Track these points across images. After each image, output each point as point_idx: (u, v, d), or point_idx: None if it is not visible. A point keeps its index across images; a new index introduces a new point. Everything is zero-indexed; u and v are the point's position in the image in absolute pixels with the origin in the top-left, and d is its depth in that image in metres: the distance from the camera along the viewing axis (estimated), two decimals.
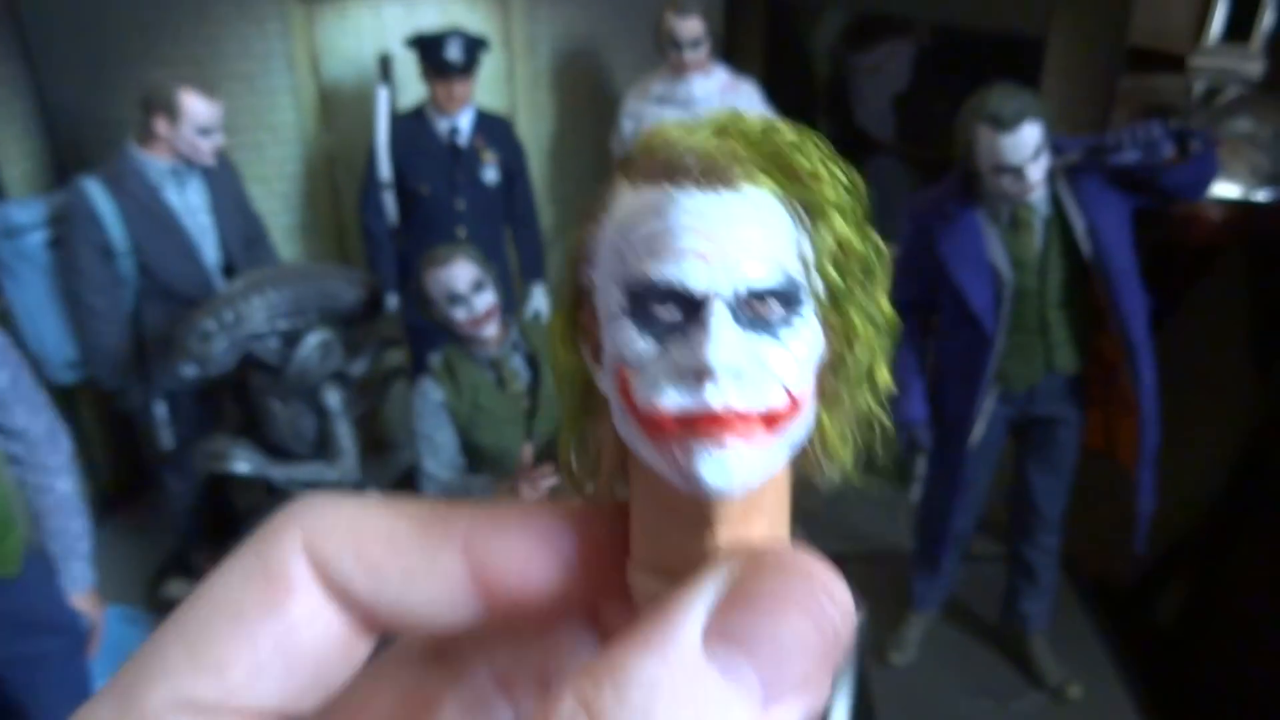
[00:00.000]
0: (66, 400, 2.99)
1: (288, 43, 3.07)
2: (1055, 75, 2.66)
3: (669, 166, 0.23)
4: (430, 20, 3.14)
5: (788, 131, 0.24)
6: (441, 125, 2.84)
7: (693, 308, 0.23)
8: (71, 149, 2.92)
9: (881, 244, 0.25)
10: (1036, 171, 1.98)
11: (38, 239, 2.51)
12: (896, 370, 1.86)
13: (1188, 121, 2.86)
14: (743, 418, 0.23)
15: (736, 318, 0.23)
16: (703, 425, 0.22)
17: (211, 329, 2.23)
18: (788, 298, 0.23)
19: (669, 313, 0.23)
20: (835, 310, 0.24)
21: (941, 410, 2.33)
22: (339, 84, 3.17)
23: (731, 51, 3.51)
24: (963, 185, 2.13)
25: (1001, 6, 2.78)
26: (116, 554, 3.03)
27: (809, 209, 0.24)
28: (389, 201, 2.90)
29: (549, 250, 3.34)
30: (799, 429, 0.24)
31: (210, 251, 2.58)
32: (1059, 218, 2.10)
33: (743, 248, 0.22)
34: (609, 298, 0.24)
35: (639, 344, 0.23)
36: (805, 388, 0.24)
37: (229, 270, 2.62)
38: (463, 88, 2.78)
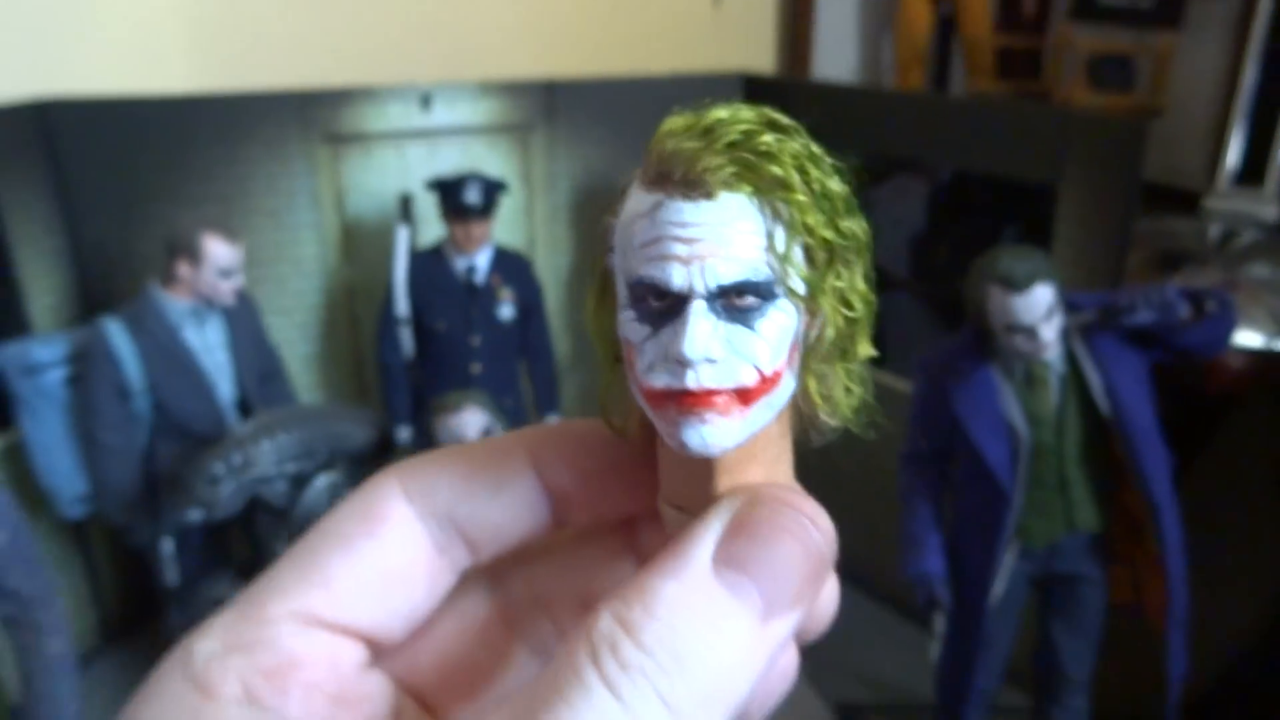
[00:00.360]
0: (77, 532, 2.98)
1: (313, 181, 3.15)
2: (1069, 220, 2.67)
3: (660, 175, 0.27)
4: (452, 158, 3.22)
5: (767, 135, 0.27)
6: (459, 264, 2.89)
7: (677, 302, 0.26)
8: (100, 284, 2.99)
9: (860, 230, 0.28)
10: (1050, 331, 1.97)
11: (57, 376, 2.54)
12: (913, 524, 1.82)
13: (1204, 265, 2.86)
14: (717, 394, 0.26)
15: (714, 309, 0.26)
16: (685, 402, 0.26)
17: (219, 473, 2.23)
18: (760, 290, 0.26)
19: (659, 304, 0.27)
20: (810, 296, 0.27)
21: (960, 566, 2.26)
22: (361, 219, 3.24)
23: None
24: (975, 341, 2.11)
25: (1014, 154, 2.81)
26: (120, 683, 2.97)
27: (781, 210, 0.26)
28: (405, 337, 2.92)
29: (565, 379, 3.34)
30: (775, 399, 0.27)
31: (226, 388, 2.60)
32: (1075, 375, 2.07)
33: (716, 251, 0.26)
34: (620, 286, 0.28)
35: (637, 328, 0.27)
36: (778, 365, 0.27)
37: (244, 406, 2.63)
38: (480, 229, 2.83)
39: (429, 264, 2.90)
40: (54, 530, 2.92)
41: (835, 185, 0.28)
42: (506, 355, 2.97)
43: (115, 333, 2.43)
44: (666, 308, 0.27)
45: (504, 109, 3.31)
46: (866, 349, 0.30)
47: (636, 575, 0.26)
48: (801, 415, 0.30)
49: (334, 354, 3.36)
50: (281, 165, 3.12)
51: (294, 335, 3.28)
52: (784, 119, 0.28)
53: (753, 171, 0.26)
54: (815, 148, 0.28)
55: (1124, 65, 3.43)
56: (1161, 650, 2.16)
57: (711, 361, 0.26)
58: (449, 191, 2.79)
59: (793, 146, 0.27)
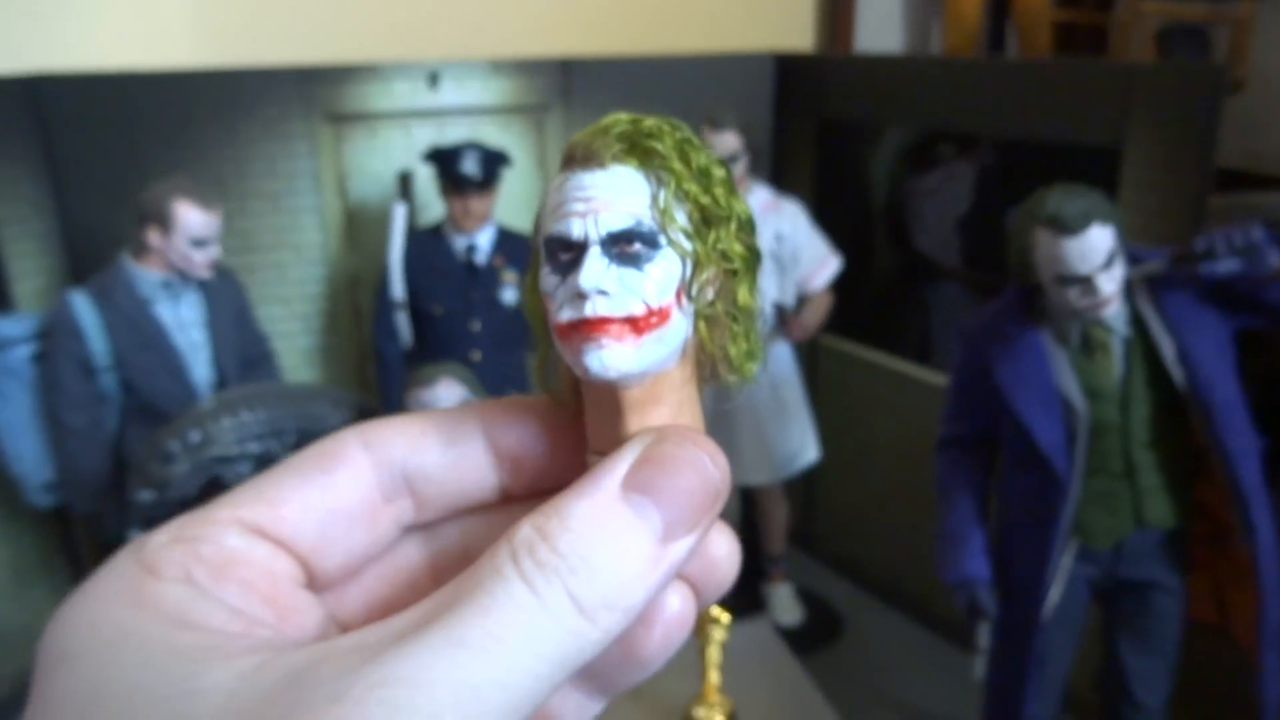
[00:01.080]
0: (60, 523, 2.81)
1: (315, 162, 2.99)
2: (1134, 187, 2.36)
3: (568, 160, 0.32)
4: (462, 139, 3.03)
5: (651, 126, 0.32)
6: (458, 243, 2.68)
7: (579, 252, 0.31)
8: (89, 268, 2.84)
9: (736, 207, 0.33)
10: (1109, 283, 1.66)
11: (24, 353, 2.38)
12: (951, 519, 1.51)
13: None
14: (610, 321, 0.31)
15: (607, 254, 0.31)
16: (584, 329, 0.31)
17: (174, 450, 2.02)
18: (644, 238, 0.31)
19: (567, 256, 0.32)
20: (691, 249, 0.32)
21: (1008, 568, 1.94)
22: (365, 204, 3.06)
23: (781, 172, 3.31)
24: (1022, 301, 1.82)
25: (1072, 117, 2.51)
26: None
27: (663, 177, 0.31)
28: (402, 322, 2.72)
29: None
30: (665, 334, 0.31)
31: (201, 369, 2.41)
32: (1142, 339, 1.76)
33: (607, 206, 0.31)
34: (540, 251, 0.33)
35: (551, 279, 0.32)
36: (664, 302, 0.31)
37: (222, 389, 2.44)
38: (480, 204, 2.62)
39: (427, 243, 2.70)
40: (34, 523, 2.76)
41: (712, 167, 0.32)
42: (509, 342, 2.73)
43: (80, 305, 2.27)
44: (572, 259, 0.31)
45: (517, 89, 3.12)
46: (747, 297, 0.33)
47: (555, 497, 0.29)
48: (702, 366, 0.34)
49: (336, 347, 3.18)
50: (282, 145, 2.96)
51: (294, 327, 3.10)
52: (673, 121, 0.33)
53: (638, 148, 0.31)
54: (696, 140, 0.32)
55: (1198, 35, 3.10)
56: (1253, 676, 1.81)
57: (605, 294, 0.31)
58: (445, 162, 2.59)
59: (675, 135, 0.32)
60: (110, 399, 2.33)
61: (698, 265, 0.32)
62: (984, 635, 1.95)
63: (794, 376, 2.99)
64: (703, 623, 1.61)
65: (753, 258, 0.33)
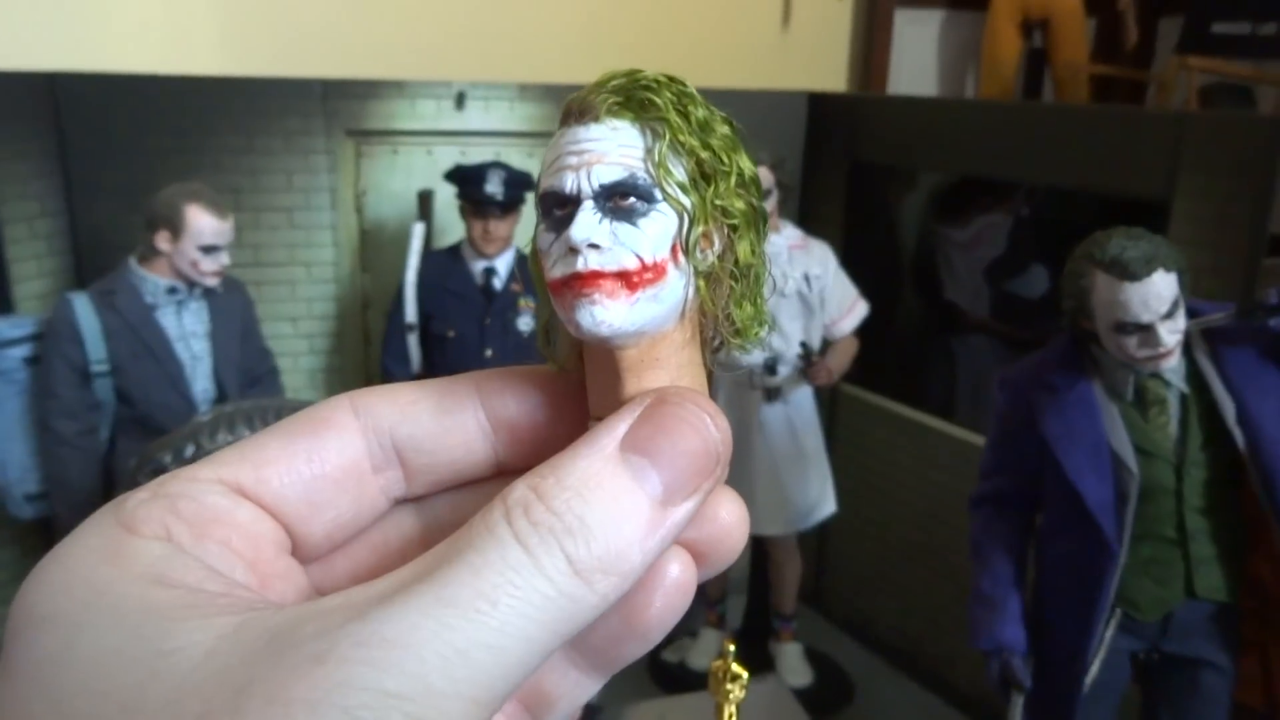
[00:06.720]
0: (43, 531, 2.69)
1: (333, 178, 2.92)
2: (1183, 243, 2.26)
3: (565, 114, 0.32)
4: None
5: (648, 79, 0.31)
6: (476, 266, 2.59)
7: (573, 205, 0.30)
8: (96, 272, 2.76)
9: (738, 158, 0.31)
10: (1171, 334, 1.56)
11: (19, 354, 2.28)
12: (986, 582, 1.38)
13: None
14: (602, 276, 0.29)
15: (601, 208, 0.30)
16: (576, 284, 0.30)
17: (166, 464, 1.90)
18: (639, 192, 0.30)
19: (561, 212, 0.30)
20: (690, 204, 0.30)
21: (1046, 638, 1.81)
22: (382, 224, 2.99)
23: (809, 213, 3.23)
24: (1071, 350, 1.71)
25: (1115, 168, 2.43)
26: None
27: (659, 129, 0.30)
28: (413, 345, 2.62)
29: None
30: (661, 292, 0.30)
31: (201, 382, 2.31)
32: (1200, 396, 1.65)
33: (601, 158, 0.30)
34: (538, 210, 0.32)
35: (546, 237, 0.31)
36: (659, 257, 0.30)
37: (220, 404, 2.34)
38: (501, 227, 2.54)
39: (444, 264, 2.61)
40: (16, 535, 2.64)
41: (713, 122, 0.31)
42: None
43: (80, 307, 2.18)
44: (566, 214, 0.30)
45: (544, 114, 3.05)
46: (748, 254, 0.32)
47: (551, 458, 0.28)
48: (705, 330, 0.32)
49: (343, 369, 3.08)
50: (301, 159, 2.89)
51: (300, 346, 3.00)
52: (675, 77, 0.31)
53: (634, 101, 0.31)
54: (697, 96, 0.31)
55: (1242, 94, 3.04)
56: None
57: (597, 248, 0.30)
58: (468, 181, 2.51)
59: (673, 88, 0.31)
60: (104, 407, 2.23)
61: (695, 220, 0.30)
62: (1017, 710, 1.81)
63: (815, 424, 2.88)
64: (720, 680, 1.49)
65: (756, 215, 0.32)
